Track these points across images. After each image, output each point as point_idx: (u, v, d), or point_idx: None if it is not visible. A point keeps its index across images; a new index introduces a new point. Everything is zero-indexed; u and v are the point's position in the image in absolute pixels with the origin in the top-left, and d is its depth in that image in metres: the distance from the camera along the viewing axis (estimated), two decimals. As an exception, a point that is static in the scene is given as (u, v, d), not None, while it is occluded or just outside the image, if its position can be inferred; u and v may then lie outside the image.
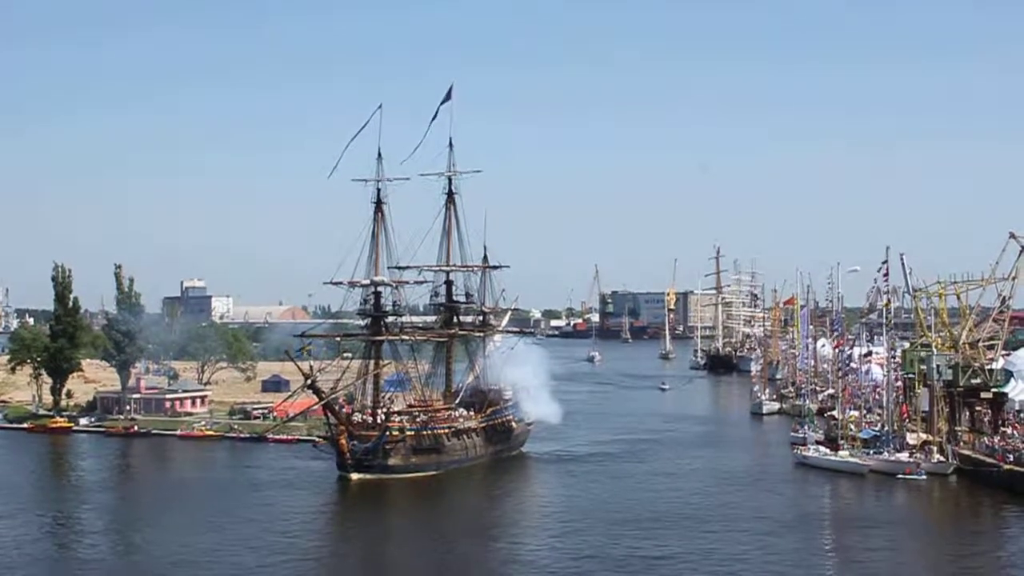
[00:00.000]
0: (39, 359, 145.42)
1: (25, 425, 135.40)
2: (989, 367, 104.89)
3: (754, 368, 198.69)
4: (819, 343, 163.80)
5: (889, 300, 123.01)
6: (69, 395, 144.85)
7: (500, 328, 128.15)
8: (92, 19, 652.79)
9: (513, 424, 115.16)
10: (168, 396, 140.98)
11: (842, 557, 70.74)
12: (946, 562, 70.01)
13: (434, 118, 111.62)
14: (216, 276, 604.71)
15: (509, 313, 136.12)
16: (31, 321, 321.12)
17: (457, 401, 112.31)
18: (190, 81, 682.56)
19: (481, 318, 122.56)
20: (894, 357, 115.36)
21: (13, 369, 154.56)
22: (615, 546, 71.16)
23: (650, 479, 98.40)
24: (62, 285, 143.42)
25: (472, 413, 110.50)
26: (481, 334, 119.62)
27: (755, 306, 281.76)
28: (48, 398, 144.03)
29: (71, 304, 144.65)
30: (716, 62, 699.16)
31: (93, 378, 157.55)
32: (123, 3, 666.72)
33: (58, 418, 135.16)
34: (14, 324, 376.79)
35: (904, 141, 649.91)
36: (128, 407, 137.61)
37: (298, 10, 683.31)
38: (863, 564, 68.14)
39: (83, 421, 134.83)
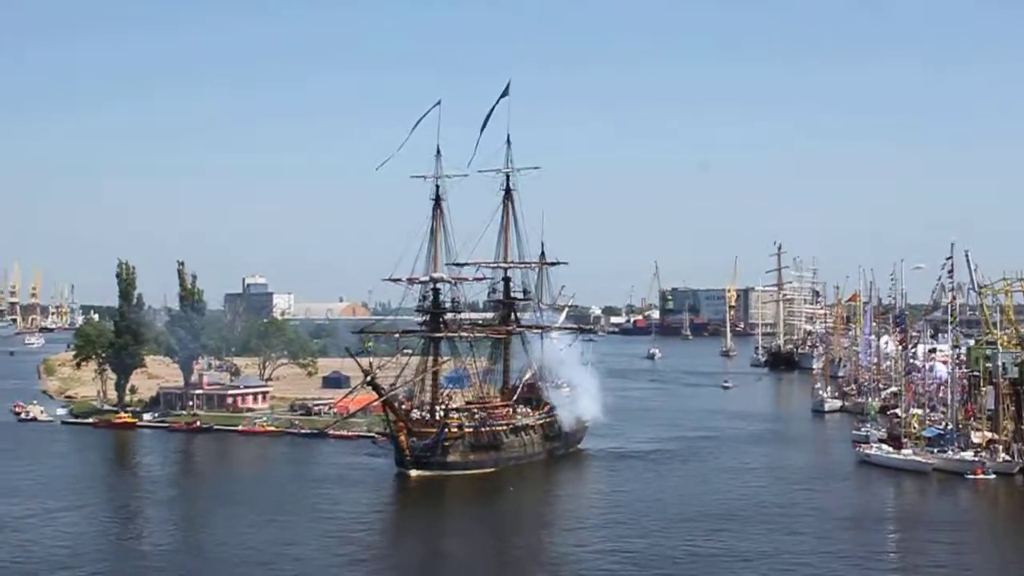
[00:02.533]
0: (104, 355, 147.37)
1: (90, 420, 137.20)
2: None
3: (816, 365, 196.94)
4: (882, 340, 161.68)
5: (954, 297, 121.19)
6: (133, 391, 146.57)
7: (558, 325, 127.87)
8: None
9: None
10: (230, 392, 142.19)
11: (905, 557, 69.99)
12: (1013, 563, 68.95)
13: (490, 113, 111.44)
14: (277, 273, 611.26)
15: (566, 310, 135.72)
16: (96, 317, 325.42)
17: (515, 398, 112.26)
18: (238, 73, 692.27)
19: (539, 315, 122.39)
20: (959, 355, 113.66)
21: (79, 365, 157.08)
22: (673, 543, 70.78)
23: (710, 477, 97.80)
24: (126, 282, 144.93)
25: (529, 410, 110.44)
26: (539, 331, 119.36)
27: (817, 303, 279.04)
28: (112, 394, 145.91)
29: (135, 301, 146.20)
30: (771, 59, 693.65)
31: (156, 374, 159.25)
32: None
33: (122, 413, 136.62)
34: (79, 320, 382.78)
35: (969, 140, 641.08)
36: (191, 403, 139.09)
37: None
38: (927, 564, 67.10)
39: (147, 416, 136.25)
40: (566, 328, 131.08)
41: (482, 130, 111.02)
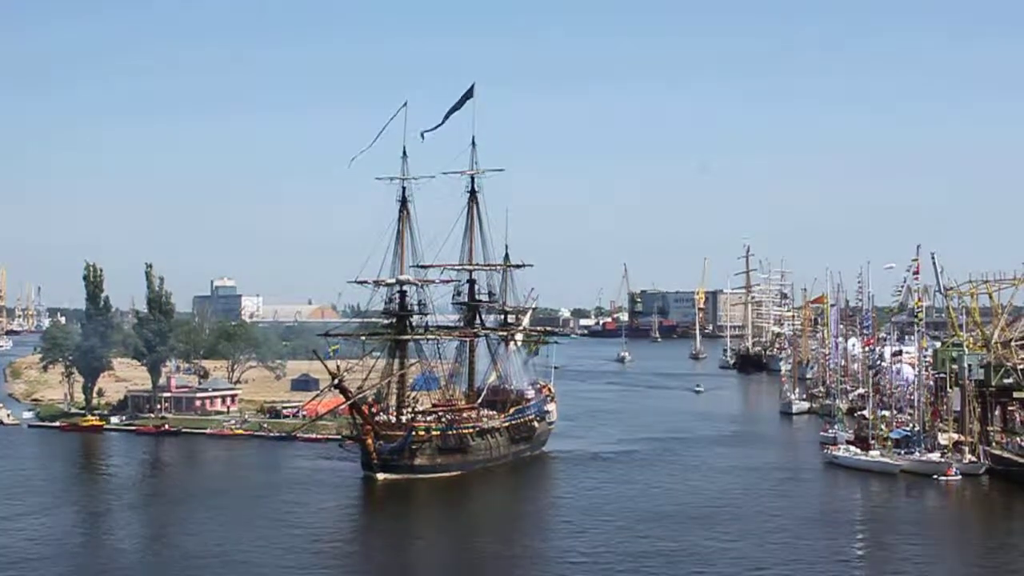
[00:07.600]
0: (71, 358, 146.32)
1: (57, 423, 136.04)
2: (1021, 367, 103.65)
3: (784, 367, 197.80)
4: (849, 342, 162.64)
5: (920, 299, 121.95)
6: (100, 394, 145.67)
7: (522, 327, 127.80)
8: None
9: (535, 423, 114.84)
10: (198, 395, 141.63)
11: (872, 557, 70.24)
12: (978, 562, 69.32)
13: (451, 111, 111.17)
14: (246, 275, 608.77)
15: (530, 312, 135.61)
16: (63, 320, 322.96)
17: (480, 400, 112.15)
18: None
19: (503, 317, 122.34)
20: (925, 356, 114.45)
21: (45, 368, 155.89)
22: (639, 544, 70.90)
23: (677, 478, 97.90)
24: (93, 284, 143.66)
25: (495, 412, 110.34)
26: (504, 333, 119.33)
27: (784, 305, 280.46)
28: (80, 397, 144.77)
29: (102, 303, 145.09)
30: (746, 64, 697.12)
31: (124, 377, 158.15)
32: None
33: (90, 416, 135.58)
34: (46, 323, 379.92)
35: (928, 139, 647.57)
36: (159, 406, 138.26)
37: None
38: (893, 564, 67.61)
39: (114, 420, 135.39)
40: (533, 330, 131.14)
41: (433, 129, 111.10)
